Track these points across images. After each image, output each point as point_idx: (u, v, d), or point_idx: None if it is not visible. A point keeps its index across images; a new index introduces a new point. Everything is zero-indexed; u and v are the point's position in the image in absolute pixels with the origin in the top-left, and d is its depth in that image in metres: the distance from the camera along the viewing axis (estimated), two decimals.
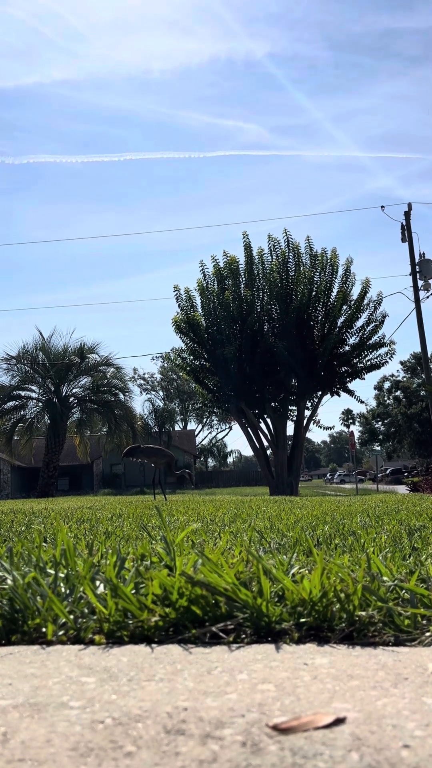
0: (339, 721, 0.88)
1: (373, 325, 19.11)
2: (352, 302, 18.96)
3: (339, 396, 19.77)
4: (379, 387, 54.25)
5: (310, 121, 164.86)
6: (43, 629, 1.34)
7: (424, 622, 1.32)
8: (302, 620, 1.32)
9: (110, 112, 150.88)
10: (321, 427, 23.03)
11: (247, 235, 18.91)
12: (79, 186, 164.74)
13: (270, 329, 18.69)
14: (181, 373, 23.46)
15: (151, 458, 11.39)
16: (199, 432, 61.82)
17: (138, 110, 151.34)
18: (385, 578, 1.52)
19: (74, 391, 28.35)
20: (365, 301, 19.05)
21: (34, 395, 28.14)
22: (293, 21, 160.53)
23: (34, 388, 28.08)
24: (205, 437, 64.76)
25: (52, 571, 1.62)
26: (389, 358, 19.33)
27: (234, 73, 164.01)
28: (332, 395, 19.70)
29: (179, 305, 19.29)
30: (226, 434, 77.76)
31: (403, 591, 1.44)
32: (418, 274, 23.90)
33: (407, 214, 24.59)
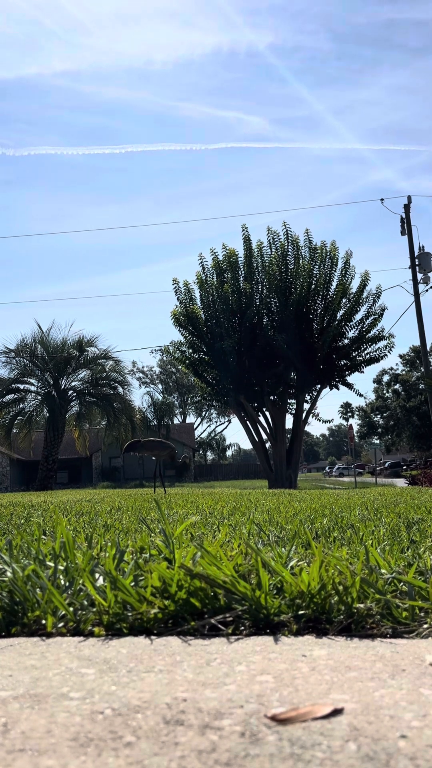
0: (337, 712, 0.88)
1: (372, 318, 19.10)
2: (352, 295, 18.93)
3: (338, 389, 19.80)
4: (378, 380, 54.32)
5: (311, 113, 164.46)
6: (43, 621, 1.35)
7: (422, 614, 1.33)
8: (301, 612, 1.33)
9: (111, 103, 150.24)
10: (320, 421, 22.97)
11: (246, 228, 18.86)
12: (80, 178, 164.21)
13: (269, 322, 18.68)
14: (180, 367, 23.46)
15: (153, 452, 11.39)
16: (198, 425, 61.93)
17: (139, 102, 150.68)
18: (383, 571, 1.53)
19: (73, 384, 28.30)
20: (364, 295, 19.04)
21: (32, 388, 28.09)
22: (295, 12, 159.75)
23: (32, 381, 28.03)
24: (204, 430, 64.88)
25: (51, 564, 1.62)
26: (388, 352, 19.33)
27: (236, 65, 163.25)
28: (331, 388, 19.72)
29: (178, 298, 19.26)
30: (225, 427, 77.77)
31: (401, 583, 1.44)
32: (417, 267, 23.85)
33: (407, 207, 24.52)
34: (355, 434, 39.39)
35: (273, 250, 18.80)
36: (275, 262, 18.51)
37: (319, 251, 18.73)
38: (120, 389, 28.54)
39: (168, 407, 48.42)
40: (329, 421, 23.29)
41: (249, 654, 1.17)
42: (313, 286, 18.35)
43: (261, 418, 19.72)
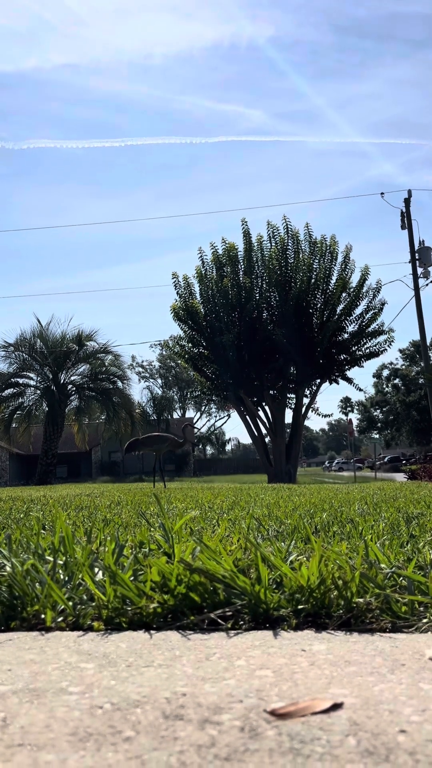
0: (336, 707, 0.88)
1: (372, 312, 19.10)
2: (351, 290, 18.92)
3: (338, 384, 19.81)
4: (377, 375, 54.35)
5: (311, 106, 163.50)
6: (42, 616, 1.35)
7: (422, 608, 1.33)
8: (300, 607, 1.33)
9: (111, 97, 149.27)
10: (319, 415, 23.06)
11: (246, 222, 18.83)
12: (79, 172, 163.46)
13: (269, 317, 18.66)
14: (179, 361, 23.47)
15: (153, 447, 11.32)
16: (198, 420, 61.90)
17: (139, 95, 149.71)
18: (382, 565, 1.53)
19: (72, 378, 28.34)
20: (364, 289, 19.03)
21: (32, 383, 28.13)
22: (296, 5, 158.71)
23: (32, 375, 28.06)
24: (204, 425, 64.88)
25: (50, 558, 1.62)
26: (388, 346, 19.35)
27: (236, 58, 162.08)
28: (331, 383, 19.74)
29: (178, 293, 19.24)
30: (225, 422, 77.72)
31: (401, 578, 1.44)
32: (417, 262, 23.81)
33: (407, 201, 24.46)
34: (355, 429, 39.43)
35: (273, 244, 18.78)
36: (275, 257, 18.48)
37: (319, 245, 18.70)
38: (119, 384, 28.59)
39: (167, 402, 48.49)
40: (329, 416, 23.36)
41: (248, 648, 1.17)
42: (312, 281, 18.33)
43: (260, 413, 19.75)
